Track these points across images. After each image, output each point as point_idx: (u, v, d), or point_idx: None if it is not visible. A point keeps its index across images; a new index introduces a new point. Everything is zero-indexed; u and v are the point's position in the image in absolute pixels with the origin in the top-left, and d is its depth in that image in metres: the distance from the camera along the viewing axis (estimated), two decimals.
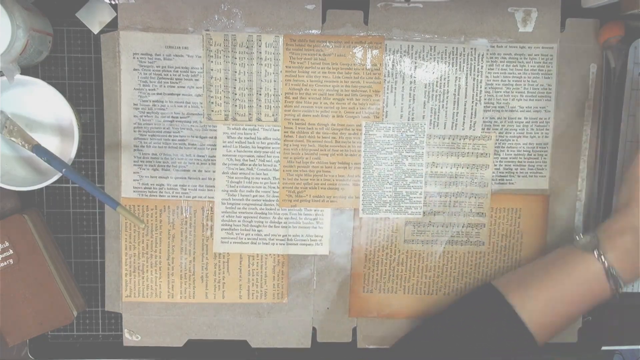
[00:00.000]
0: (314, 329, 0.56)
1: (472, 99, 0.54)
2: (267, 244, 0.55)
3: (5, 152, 0.50)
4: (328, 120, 0.54)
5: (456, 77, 0.54)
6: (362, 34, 0.53)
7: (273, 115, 0.53)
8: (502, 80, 0.54)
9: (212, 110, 0.53)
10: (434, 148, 0.54)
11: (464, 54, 0.53)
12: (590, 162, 0.56)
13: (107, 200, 0.45)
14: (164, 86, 0.52)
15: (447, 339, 0.47)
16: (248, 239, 0.55)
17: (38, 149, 0.46)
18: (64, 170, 0.45)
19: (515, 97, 0.54)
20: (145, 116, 0.53)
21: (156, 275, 0.55)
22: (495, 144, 0.55)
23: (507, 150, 0.55)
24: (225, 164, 0.54)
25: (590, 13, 0.54)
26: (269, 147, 0.54)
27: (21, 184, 0.48)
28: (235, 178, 0.54)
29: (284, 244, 0.55)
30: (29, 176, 0.51)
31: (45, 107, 0.50)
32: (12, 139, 0.47)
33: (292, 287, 0.56)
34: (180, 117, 0.53)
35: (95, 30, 0.52)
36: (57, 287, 0.50)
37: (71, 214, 0.54)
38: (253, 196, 0.54)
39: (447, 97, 0.54)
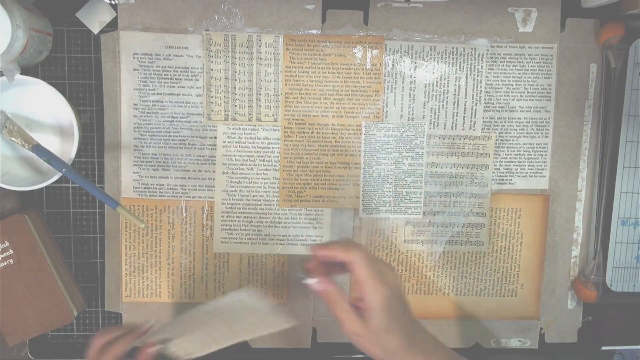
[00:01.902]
0: (314, 329, 0.56)
1: (472, 99, 0.54)
2: (267, 244, 0.55)
3: (5, 152, 0.50)
4: (328, 120, 0.54)
5: (456, 77, 0.54)
6: (362, 34, 0.53)
7: (273, 115, 0.53)
8: (502, 80, 0.54)
9: (212, 110, 0.53)
10: (434, 148, 0.54)
11: (464, 54, 0.53)
12: (590, 162, 0.56)
13: (107, 200, 0.45)
14: (164, 86, 0.52)
15: None
16: (248, 239, 0.55)
17: (38, 149, 0.46)
18: (64, 170, 0.45)
19: (515, 97, 0.54)
20: (145, 116, 0.53)
21: (156, 275, 0.54)
22: (495, 144, 0.55)
23: (507, 150, 0.55)
24: (225, 164, 0.54)
25: (590, 13, 0.54)
26: (269, 147, 0.54)
27: (21, 184, 0.48)
28: (235, 178, 0.54)
29: (283, 244, 0.55)
30: (29, 176, 0.51)
31: (45, 107, 0.50)
32: (12, 139, 0.47)
33: (292, 287, 0.56)
34: (180, 117, 0.53)
35: (95, 30, 0.52)
36: (57, 287, 0.50)
37: (71, 214, 0.54)
38: (253, 196, 0.54)
39: (447, 97, 0.54)
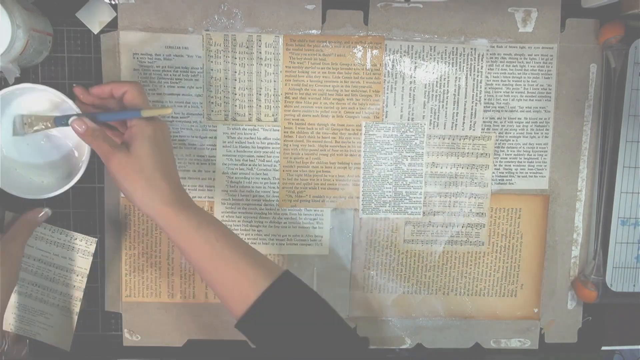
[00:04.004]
0: None
1: (472, 99, 0.54)
2: (267, 244, 0.55)
3: (18, 159, 0.50)
4: (328, 120, 0.54)
5: (456, 77, 0.54)
6: (362, 34, 0.53)
7: (273, 115, 0.53)
8: (502, 80, 0.54)
9: (212, 110, 0.53)
10: (434, 148, 0.54)
11: (464, 54, 0.53)
12: (590, 162, 0.56)
13: (130, 114, 0.44)
14: (164, 86, 0.52)
15: None
16: (248, 239, 0.55)
17: (58, 120, 0.47)
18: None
19: (515, 97, 0.54)
20: None
21: (156, 275, 0.55)
22: (495, 144, 0.55)
23: (507, 150, 0.55)
24: (225, 164, 0.54)
25: (590, 13, 0.54)
26: (269, 147, 0.54)
27: (26, 191, 0.48)
28: (235, 178, 0.54)
29: (283, 244, 0.55)
30: (52, 181, 0.50)
31: (49, 107, 0.50)
32: (36, 128, 0.48)
33: None
34: (180, 117, 0.53)
35: (95, 30, 0.52)
36: None
37: (71, 214, 0.54)
38: (253, 196, 0.54)
39: (447, 97, 0.54)
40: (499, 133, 0.55)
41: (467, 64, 0.54)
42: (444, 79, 0.54)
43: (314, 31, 0.53)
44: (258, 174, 0.54)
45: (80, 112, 0.47)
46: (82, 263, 0.49)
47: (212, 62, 0.52)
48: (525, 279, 0.57)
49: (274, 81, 0.53)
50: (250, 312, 0.41)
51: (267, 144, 0.54)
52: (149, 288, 0.55)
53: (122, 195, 0.53)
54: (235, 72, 0.53)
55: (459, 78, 0.54)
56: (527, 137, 0.55)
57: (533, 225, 0.56)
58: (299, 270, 0.55)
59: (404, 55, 0.53)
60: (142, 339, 0.55)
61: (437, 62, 0.53)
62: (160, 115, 0.47)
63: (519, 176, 0.55)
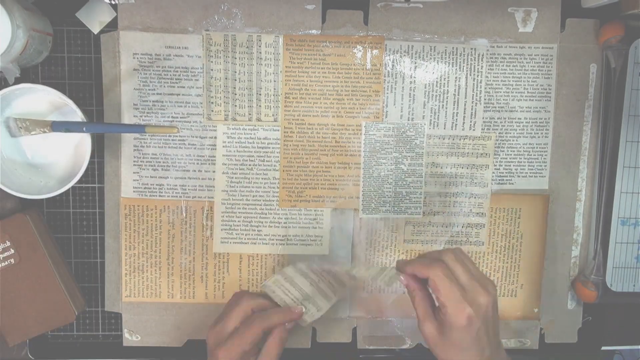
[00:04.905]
0: (314, 329, 0.56)
1: (472, 99, 0.54)
2: (267, 244, 0.55)
3: (15, 158, 0.50)
4: (328, 120, 0.54)
5: (456, 77, 0.54)
6: (362, 34, 0.53)
7: (273, 115, 0.53)
8: (502, 80, 0.54)
9: (212, 110, 0.53)
10: (434, 148, 0.54)
11: (464, 54, 0.53)
12: (590, 162, 0.56)
13: (134, 129, 0.46)
14: (164, 86, 0.52)
15: None
16: (248, 239, 0.55)
17: (56, 125, 0.48)
18: (84, 128, 0.47)
19: (515, 97, 0.54)
20: (145, 116, 0.53)
21: (156, 275, 0.55)
22: (495, 144, 0.55)
23: (507, 150, 0.55)
24: (225, 164, 0.54)
25: (590, 13, 0.54)
26: (269, 147, 0.54)
27: (27, 190, 0.48)
28: (235, 178, 0.54)
29: (283, 244, 0.55)
30: (35, 181, 0.51)
31: (48, 107, 0.50)
32: (33, 133, 0.48)
33: None
34: (180, 117, 0.53)
35: (95, 30, 0.52)
36: (59, 287, 0.50)
37: (71, 214, 0.54)
38: (253, 196, 0.54)
39: (447, 97, 0.54)
40: (499, 133, 0.55)
41: (467, 64, 0.54)
42: (444, 79, 0.54)
43: (314, 31, 0.53)
44: (258, 174, 0.54)
45: (82, 115, 0.47)
46: None
47: (212, 62, 0.52)
48: (525, 279, 0.57)
49: (274, 81, 0.53)
50: None
51: (267, 144, 0.54)
52: (149, 288, 0.55)
53: (123, 195, 0.53)
54: (235, 72, 0.53)
55: (459, 78, 0.54)
56: (527, 137, 0.55)
57: (533, 225, 0.56)
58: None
59: (404, 55, 0.53)
60: (142, 339, 0.55)
61: (437, 62, 0.53)
62: (168, 133, 0.50)
63: (519, 176, 0.55)
